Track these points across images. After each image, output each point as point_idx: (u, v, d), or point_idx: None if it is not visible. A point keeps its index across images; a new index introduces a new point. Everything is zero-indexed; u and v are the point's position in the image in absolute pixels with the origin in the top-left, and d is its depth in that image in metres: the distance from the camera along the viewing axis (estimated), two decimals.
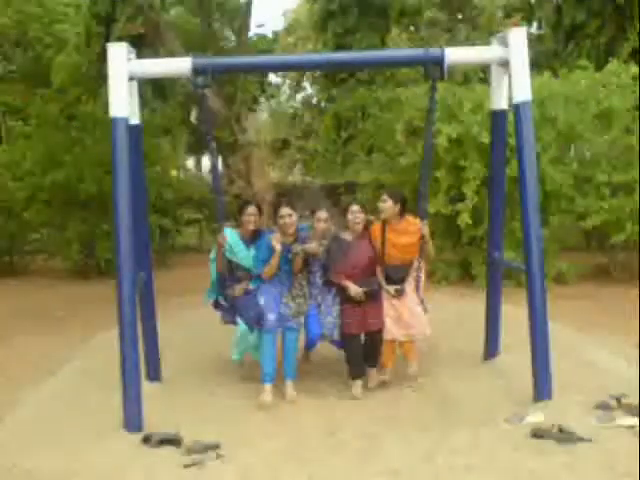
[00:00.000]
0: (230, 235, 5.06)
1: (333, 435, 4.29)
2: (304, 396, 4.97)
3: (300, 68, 10.63)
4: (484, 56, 4.96)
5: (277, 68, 9.90)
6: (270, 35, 22.11)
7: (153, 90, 16.73)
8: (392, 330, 4.99)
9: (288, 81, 23.01)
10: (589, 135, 8.25)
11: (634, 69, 8.58)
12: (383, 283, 5.09)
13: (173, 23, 16.33)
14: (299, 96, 23.25)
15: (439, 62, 4.58)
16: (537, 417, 4.14)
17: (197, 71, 4.59)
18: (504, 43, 4.59)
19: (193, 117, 20.41)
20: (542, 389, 4.45)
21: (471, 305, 7.39)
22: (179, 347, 6.26)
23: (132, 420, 4.26)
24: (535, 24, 16.40)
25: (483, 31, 17.24)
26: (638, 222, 8.09)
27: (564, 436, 3.81)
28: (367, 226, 5.14)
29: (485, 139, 7.57)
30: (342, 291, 5.04)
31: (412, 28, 18.46)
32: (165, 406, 4.77)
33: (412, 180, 8.61)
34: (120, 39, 12.06)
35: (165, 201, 11.08)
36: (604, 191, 8.16)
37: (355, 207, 5.08)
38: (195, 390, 5.16)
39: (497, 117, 5.13)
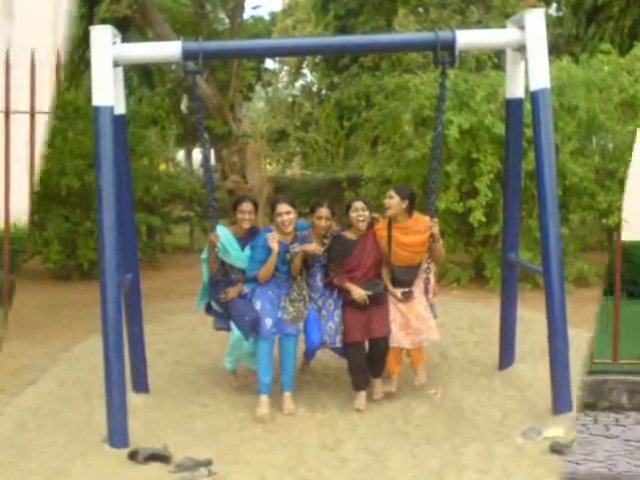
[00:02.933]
0: (223, 234, 5.05)
1: (334, 451, 4.29)
2: (303, 409, 4.97)
3: (299, 53, 10.62)
4: (499, 40, 4.97)
5: (274, 53, 9.92)
6: (267, 17, 22.06)
7: (140, 77, 16.81)
8: (399, 337, 4.97)
9: (286, 67, 23.02)
10: (612, 125, 8.25)
11: None
12: (389, 286, 5.08)
13: (161, 4, 16.35)
14: (298, 83, 23.26)
15: (450, 46, 4.58)
16: (556, 431, 4.14)
17: (187, 56, 4.59)
18: (520, 26, 4.59)
19: (183, 106, 20.44)
20: (561, 401, 4.45)
21: (484, 310, 7.40)
22: (168, 355, 6.26)
23: (117, 434, 4.26)
24: (554, 5, 16.41)
25: (497, 13, 17.23)
26: None
27: None
28: (372, 224, 5.14)
29: (500, 130, 7.57)
30: (345, 294, 5.04)
31: (420, 9, 18.45)
32: (153, 419, 4.78)
33: (421, 174, 8.62)
34: (104, 21, 12.09)
35: (153, 197, 11.07)
36: None
37: (359, 204, 5.07)
38: (186, 402, 5.16)
39: (513, 106, 5.13)
